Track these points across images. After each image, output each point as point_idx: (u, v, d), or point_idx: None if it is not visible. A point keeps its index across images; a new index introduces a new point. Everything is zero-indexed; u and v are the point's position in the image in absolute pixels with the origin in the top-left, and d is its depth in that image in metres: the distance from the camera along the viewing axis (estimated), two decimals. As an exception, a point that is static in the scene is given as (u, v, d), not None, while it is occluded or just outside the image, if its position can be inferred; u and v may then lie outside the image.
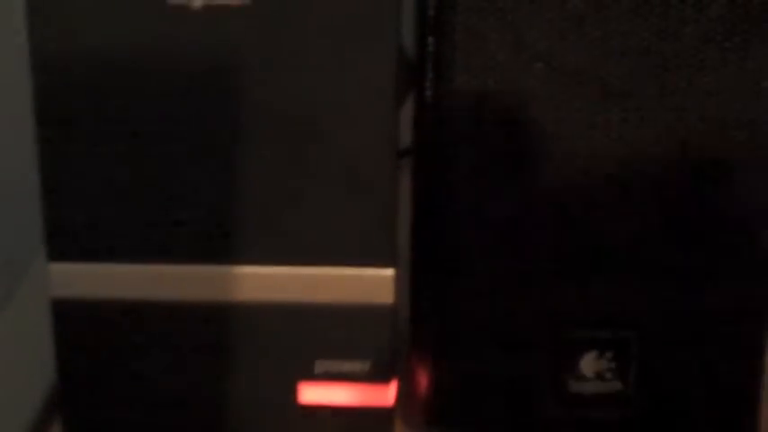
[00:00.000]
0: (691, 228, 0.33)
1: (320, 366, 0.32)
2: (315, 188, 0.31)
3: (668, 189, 0.33)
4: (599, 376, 0.35)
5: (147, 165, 0.31)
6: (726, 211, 0.33)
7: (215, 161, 0.31)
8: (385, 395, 0.33)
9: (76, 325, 0.32)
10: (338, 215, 0.31)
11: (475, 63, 0.32)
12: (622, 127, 0.32)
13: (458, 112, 0.32)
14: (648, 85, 0.32)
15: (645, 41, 0.32)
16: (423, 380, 0.35)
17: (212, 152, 0.31)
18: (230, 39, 0.31)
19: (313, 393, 0.33)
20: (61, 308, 0.32)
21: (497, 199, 0.33)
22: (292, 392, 0.33)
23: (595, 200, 0.33)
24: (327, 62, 0.31)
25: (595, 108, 0.33)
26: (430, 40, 0.33)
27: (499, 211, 0.33)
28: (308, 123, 0.31)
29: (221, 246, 0.32)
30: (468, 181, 0.33)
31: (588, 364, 0.35)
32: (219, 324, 0.32)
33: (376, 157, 0.31)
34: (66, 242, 0.32)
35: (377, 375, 0.33)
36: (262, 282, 0.32)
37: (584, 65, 0.32)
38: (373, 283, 0.32)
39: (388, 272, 0.32)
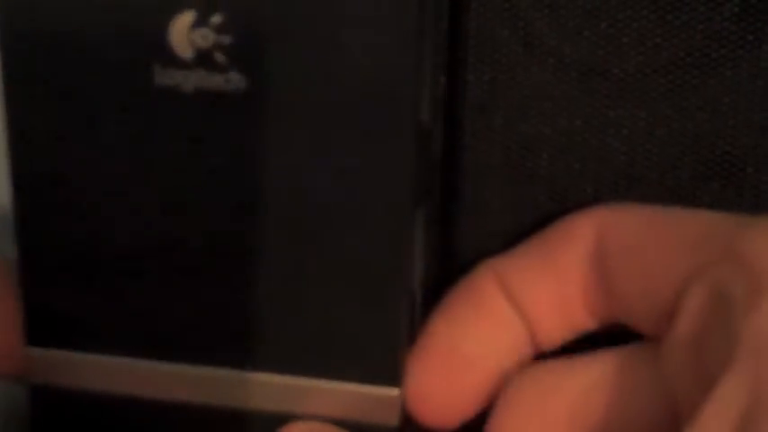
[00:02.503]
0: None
1: None
2: (321, 298, 0.28)
3: (678, 188, 0.33)
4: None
5: (147, 278, 0.28)
6: (736, 212, 0.33)
7: (214, 263, 0.28)
8: None
9: (56, 414, 0.29)
10: (344, 327, 0.28)
11: (486, 59, 0.32)
12: (633, 124, 0.32)
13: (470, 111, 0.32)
14: (660, 82, 0.32)
15: (657, 39, 0.32)
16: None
17: (210, 253, 0.28)
18: (223, 128, 0.26)
19: None
20: (40, 394, 0.29)
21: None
22: None
23: (606, 197, 0.33)
24: (333, 163, 0.26)
25: (607, 105, 0.32)
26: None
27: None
28: (312, 228, 0.27)
29: (217, 349, 0.29)
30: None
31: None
32: (207, 430, 0.29)
33: (389, 270, 0.27)
34: (49, 328, 0.29)
35: None
36: (257, 389, 0.29)
37: (596, 61, 0.32)
38: (377, 402, 0.29)
39: (393, 392, 0.29)
